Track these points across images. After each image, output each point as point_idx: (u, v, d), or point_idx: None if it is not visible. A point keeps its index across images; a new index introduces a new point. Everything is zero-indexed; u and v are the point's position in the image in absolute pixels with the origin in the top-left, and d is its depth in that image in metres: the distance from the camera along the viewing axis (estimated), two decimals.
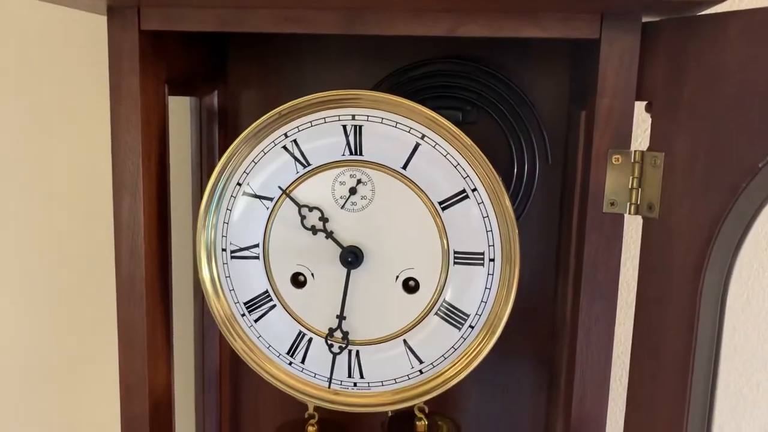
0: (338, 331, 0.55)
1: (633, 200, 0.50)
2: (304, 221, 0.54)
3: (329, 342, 0.55)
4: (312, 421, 0.63)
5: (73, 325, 0.84)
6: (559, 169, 0.68)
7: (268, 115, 0.54)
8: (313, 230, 0.54)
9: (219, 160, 0.69)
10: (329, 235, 0.54)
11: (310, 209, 0.54)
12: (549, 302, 0.70)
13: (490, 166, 0.51)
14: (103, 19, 0.53)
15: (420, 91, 0.67)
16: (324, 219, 0.54)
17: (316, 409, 0.63)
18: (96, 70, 0.74)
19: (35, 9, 0.77)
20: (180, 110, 0.69)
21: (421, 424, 0.62)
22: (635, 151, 0.49)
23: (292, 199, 0.54)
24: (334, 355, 0.56)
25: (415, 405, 0.61)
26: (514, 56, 0.67)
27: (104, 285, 0.79)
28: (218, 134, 0.70)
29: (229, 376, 0.73)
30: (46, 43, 0.79)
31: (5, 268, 0.84)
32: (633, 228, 0.70)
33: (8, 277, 0.84)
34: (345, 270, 0.55)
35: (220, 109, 0.70)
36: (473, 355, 0.54)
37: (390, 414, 0.66)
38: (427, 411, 0.62)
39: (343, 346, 0.55)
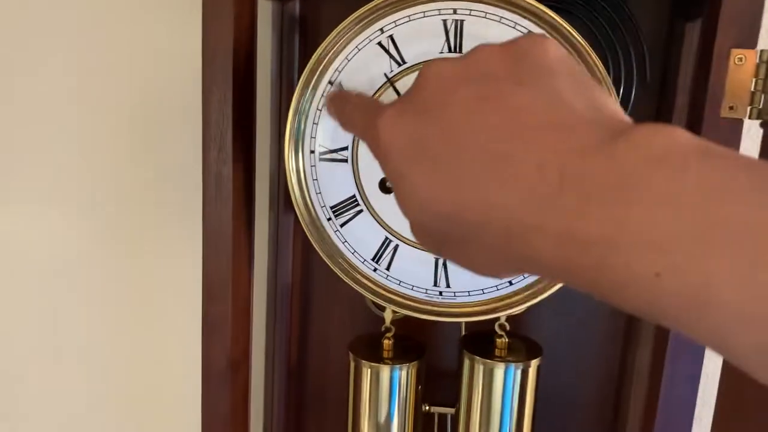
0: None
1: (755, 104, 0.47)
2: None
3: None
4: (388, 335, 0.62)
5: (159, 223, 0.83)
6: (655, 87, 0.64)
7: (362, 8, 0.51)
8: None
9: (297, 71, 0.68)
10: None
11: None
12: None
13: (606, 74, 0.49)
14: None
15: None
16: None
17: (393, 322, 0.62)
18: None
19: None
20: (260, 16, 0.67)
21: (502, 341, 0.60)
22: (763, 51, 0.46)
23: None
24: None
25: (496, 322, 0.60)
26: None
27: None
28: (298, 44, 0.68)
29: (301, 288, 0.72)
30: None
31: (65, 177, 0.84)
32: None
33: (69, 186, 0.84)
34: None
35: (301, 18, 0.68)
36: None
37: (465, 333, 0.65)
38: (508, 329, 0.60)
39: None
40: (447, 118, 0.29)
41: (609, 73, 0.62)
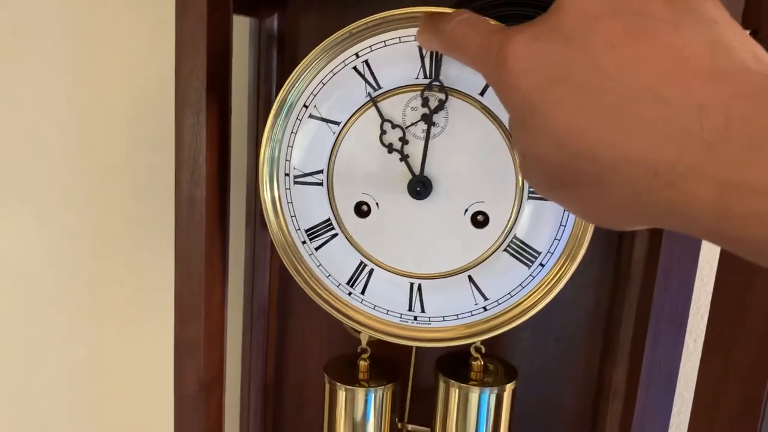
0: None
1: None
2: (384, 137, 0.52)
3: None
4: (364, 356, 0.62)
5: (124, 252, 0.83)
6: None
7: (338, 32, 0.51)
8: (390, 148, 0.52)
9: (275, 88, 0.68)
10: (404, 158, 0.52)
11: (393, 126, 0.52)
12: (614, 242, 0.67)
13: None
14: None
15: (497, 19, 0.64)
16: (405, 141, 0.51)
17: (369, 343, 0.62)
18: None
19: None
20: (237, 33, 0.66)
21: (477, 364, 0.60)
22: None
23: (378, 110, 0.51)
24: None
25: (471, 345, 0.60)
26: None
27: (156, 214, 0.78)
28: (276, 61, 0.67)
29: (278, 309, 0.72)
30: None
31: (43, 194, 0.83)
32: None
33: (47, 206, 0.83)
34: (411, 200, 0.53)
35: (279, 34, 0.67)
36: (543, 292, 0.52)
37: (441, 354, 0.65)
38: (483, 351, 0.60)
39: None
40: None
41: None
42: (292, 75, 0.52)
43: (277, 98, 0.52)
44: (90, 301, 0.84)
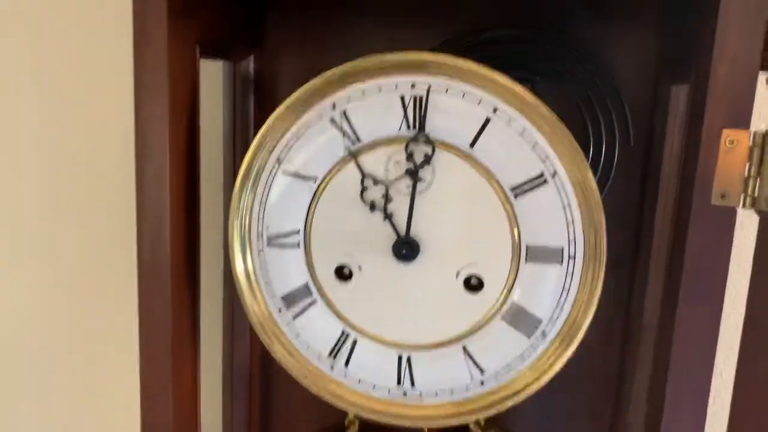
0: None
1: (749, 192, 0.42)
2: (365, 194, 0.47)
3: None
4: (353, 428, 0.56)
5: (89, 324, 0.78)
6: (640, 151, 0.59)
7: (313, 81, 0.46)
8: (372, 206, 0.46)
9: (255, 133, 0.63)
10: (388, 217, 0.46)
11: (376, 182, 0.46)
12: (623, 306, 0.62)
13: (577, 146, 0.43)
14: None
15: (480, 60, 0.59)
16: (388, 198, 0.46)
17: (357, 415, 0.56)
18: (118, 25, 0.67)
19: None
20: (211, 77, 0.62)
21: None
22: (755, 133, 0.41)
23: (358, 165, 0.46)
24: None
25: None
26: (591, 21, 0.58)
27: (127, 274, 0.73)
28: (253, 105, 0.63)
29: (260, 376, 0.67)
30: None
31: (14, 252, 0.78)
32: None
33: (20, 263, 0.78)
34: (397, 263, 0.47)
35: (256, 77, 0.62)
36: (546, 365, 0.47)
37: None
38: (482, 424, 0.55)
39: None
40: None
41: (589, 139, 0.57)
42: (256, 138, 0.47)
43: (243, 164, 0.47)
44: (66, 360, 0.79)
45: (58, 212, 0.76)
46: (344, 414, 0.56)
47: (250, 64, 0.62)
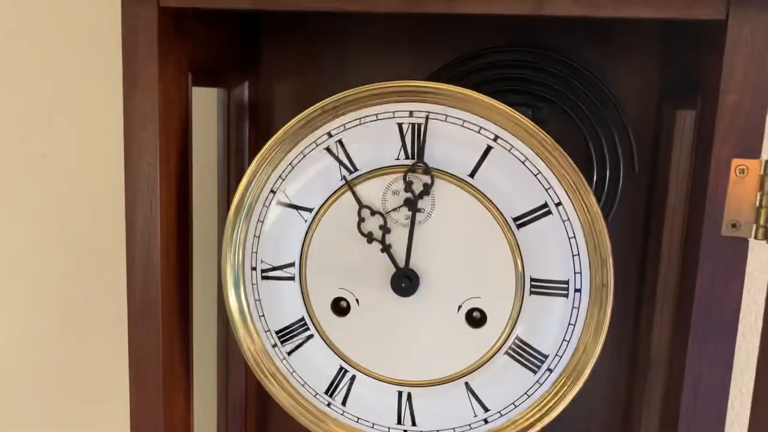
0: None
1: (761, 222, 0.40)
2: (362, 225, 0.45)
3: None
4: None
5: (80, 351, 0.76)
6: (644, 178, 0.58)
7: (309, 110, 0.45)
8: (369, 238, 0.45)
9: (249, 162, 0.61)
10: (386, 248, 0.45)
11: (373, 213, 0.45)
12: (628, 341, 0.60)
13: (580, 176, 0.42)
14: None
15: (480, 85, 0.58)
16: (386, 229, 0.45)
17: None
18: (109, 53, 0.66)
19: None
20: (205, 104, 0.61)
21: None
22: (766, 161, 0.40)
23: (355, 195, 0.45)
24: None
25: None
26: (592, 44, 0.57)
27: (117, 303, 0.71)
28: (248, 132, 0.61)
29: (256, 407, 0.64)
30: (51, 24, 0.70)
31: (7, 277, 0.76)
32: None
33: (12, 288, 0.76)
34: (396, 296, 0.46)
35: (250, 103, 0.61)
36: (552, 402, 0.45)
37: None
38: None
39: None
40: None
41: (593, 166, 0.56)
42: (248, 170, 0.46)
43: (234, 198, 0.46)
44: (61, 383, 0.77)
45: (48, 243, 0.74)
46: None
47: (244, 91, 0.61)
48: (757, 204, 0.40)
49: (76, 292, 0.74)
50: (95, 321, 0.75)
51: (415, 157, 0.44)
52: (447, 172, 0.44)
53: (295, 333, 0.48)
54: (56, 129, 0.72)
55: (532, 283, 0.44)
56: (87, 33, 0.69)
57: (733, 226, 0.41)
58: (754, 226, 0.40)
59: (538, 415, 0.45)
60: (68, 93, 0.71)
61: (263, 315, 0.48)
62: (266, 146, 0.45)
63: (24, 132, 0.72)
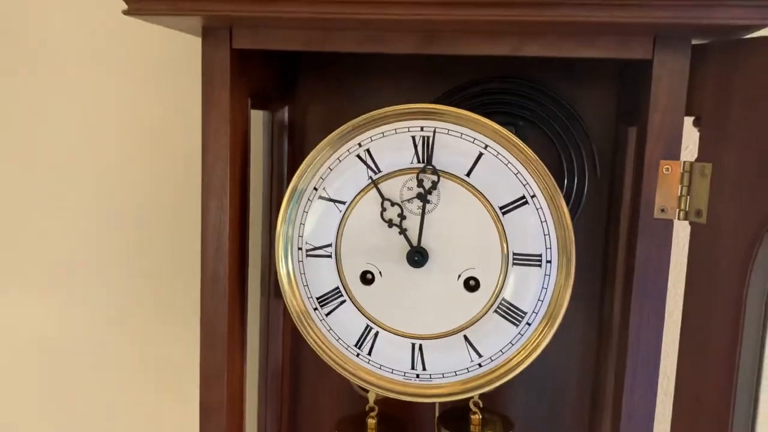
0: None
1: (682, 207, 0.54)
2: (384, 213, 0.59)
3: None
4: (372, 414, 0.68)
5: (153, 321, 0.89)
6: (606, 181, 0.72)
7: (343, 126, 0.59)
8: (390, 223, 0.59)
9: (287, 170, 0.76)
10: (403, 231, 0.59)
11: (392, 204, 0.59)
12: (595, 306, 0.74)
13: (549, 174, 0.56)
14: (197, 40, 0.59)
15: (475, 107, 0.72)
16: (402, 216, 0.59)
17: (376, 402, 0.67)
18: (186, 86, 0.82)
19: (139, 30, 0.85)
20: (254, 124, 0.75)
21: (476, 417, 0.66)
22: (685, 162, 0.54)
23: (379, 191, 0.59)
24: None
25: (470, 400, 0.66)
26: (563, 76, 0.72)
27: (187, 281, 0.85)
28: (287, 147, 0.76)
29: (291, 370, 0.78)
30: (143, 60, 0.86)
31: (91, 265, 0.90)
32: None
33: (90, 274, 0.90)
34: (411, 268, 0.59)
35: (289, 123, 0.75)
36: (531, 348, 0.58)
37: (443, 408, 0.70)
38: (481, 405, 0.66)
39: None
40: None
41: (563, 171, 0.70)
42: (301, 166, 0.60)
43: (290, 186, 0.60)
44: (114, 373, 0.90)
45: (116, 231, 0.88)
46: (364, 403, 0.68)
47: (284, 114, 0.75)
48: (679, 194, 0.54)
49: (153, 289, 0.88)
50: (163, 297, 0.88)
51: (425, 161, 0.58)
52: (449, 173, 0.58)
53: (331, 299, 0.62)
54: (140, 141, 0.87)
55: (514, 256, 0.58)
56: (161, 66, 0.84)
57: (662, 210, 0.55)
58: (677, 210, 0.54)
59: (519, 360, 0.59)
60: (152, 113, 0.87)
61: (307, 284, 0.62)
62: (312, 152, 0.59)
63: (117, 146, 0.87)
